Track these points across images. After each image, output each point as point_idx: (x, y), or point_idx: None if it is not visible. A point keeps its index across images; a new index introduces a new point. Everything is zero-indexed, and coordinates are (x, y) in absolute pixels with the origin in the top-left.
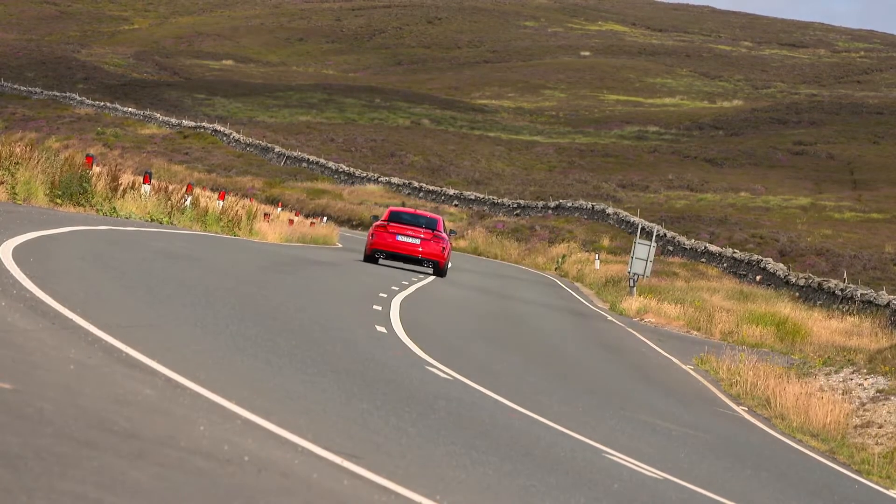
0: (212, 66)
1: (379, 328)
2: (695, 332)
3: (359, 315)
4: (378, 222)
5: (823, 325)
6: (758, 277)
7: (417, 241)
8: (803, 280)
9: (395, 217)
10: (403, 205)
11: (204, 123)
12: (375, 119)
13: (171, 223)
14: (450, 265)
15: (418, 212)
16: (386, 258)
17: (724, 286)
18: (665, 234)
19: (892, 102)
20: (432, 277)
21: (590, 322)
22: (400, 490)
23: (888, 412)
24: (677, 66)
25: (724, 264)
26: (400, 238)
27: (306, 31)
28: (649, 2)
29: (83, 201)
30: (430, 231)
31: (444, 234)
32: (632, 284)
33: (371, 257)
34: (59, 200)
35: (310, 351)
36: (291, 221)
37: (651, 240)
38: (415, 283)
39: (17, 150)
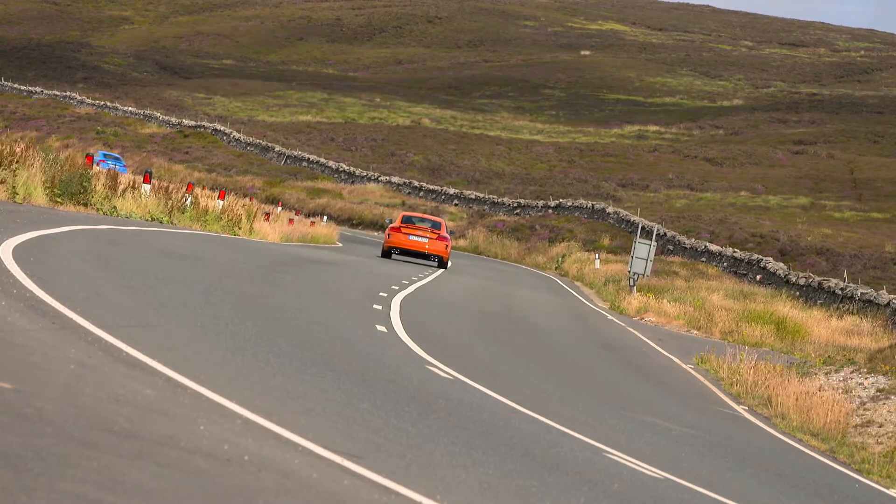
0: (212, 65)
1: (379, 328)
2: (695, 332)
3: (359, 315)
4: (392, 224)
5: (824, 325)
6: (758, 277)
7: (425, 240)
8: (803, 279)
9: (406, 220)
10: (404, 204)
11: (204, 123)
12: (375, 118)
13: (172, 222)
14: (450, 263)
15: (425, 216)
16: (399, 254)
17: (724, 285)
18: (665, 234)
19: (892, 102)
20: (432, 277)
21: (590, 321)
22: (400, 490)
23: (888, 411)
24: (677, 65)
25: (724, 264)
26: (411, 238)
27: (306, 30)
28: (649, 1)
29: (83, 200)
30: (436, 231)
31: (446, 235)
32: (632, 283)
33: (387, 253)
34: (59, 200)
35: (310, 351)
36: (291, 221)
37: (651, 239)
38: (415, 282)
39: (18, 149)
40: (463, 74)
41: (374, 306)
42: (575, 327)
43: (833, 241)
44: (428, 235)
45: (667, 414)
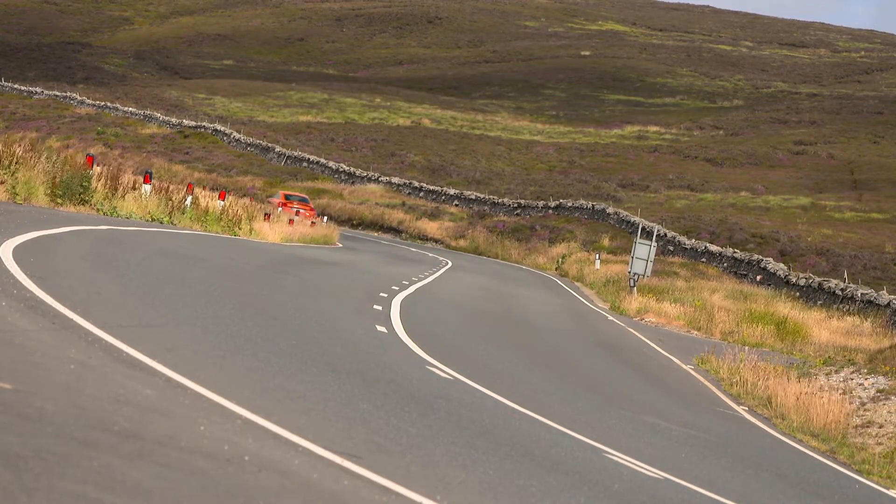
0: (212, 65)
1: (379, 328)
2: (695, 332)
3: (359, 315)
4: (278, 200)
5: (824, 325)
6: (758, 277)
7: (304, 211)
8: (804, 280)
9: (288, 197)
10: (404, 204)
11: (204, 123)
12: (375, 119)
13: (172, 223)
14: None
15: (295, 194)
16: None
17: (724, 286)
18: (665, 234)
19: (892, 102)
20: (432, 277)
21: (590, 322)
22: (400, 490)
23: (888, 412)
24: (677, 66)
25: (725, 264)
26: (294, 208)
27: (306, 31)
28: (649, 2)
29: (83, 201)
30: (306, 205)
31: (312, 207)
32: (632, 284)
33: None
34: (59, 200)
35: (310, 351)
36: (292, 221)
37: (651, 239)
38: (415, 282)
39: (18, 149)
40: (463, 74)
41: (374, 306)
42: (575, 327)
43: (833, 241)
44: (303, 207)
45: (667, 414)
